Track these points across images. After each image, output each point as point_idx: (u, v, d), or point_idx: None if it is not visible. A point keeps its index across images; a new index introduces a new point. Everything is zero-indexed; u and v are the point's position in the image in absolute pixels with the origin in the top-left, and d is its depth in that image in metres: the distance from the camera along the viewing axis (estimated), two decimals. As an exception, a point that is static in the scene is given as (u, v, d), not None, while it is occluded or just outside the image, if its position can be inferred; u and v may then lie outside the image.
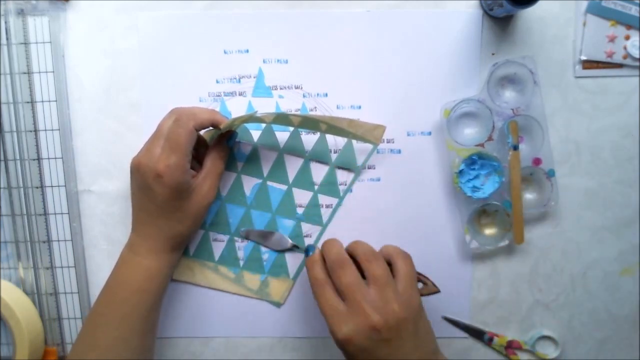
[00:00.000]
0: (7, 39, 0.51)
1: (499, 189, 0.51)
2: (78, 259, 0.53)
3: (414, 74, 0.52)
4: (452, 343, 0.54)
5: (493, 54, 0.51)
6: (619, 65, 0.51)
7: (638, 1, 0.50)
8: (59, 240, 0.53)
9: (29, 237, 0.53)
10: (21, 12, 0.51)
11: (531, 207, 0.52)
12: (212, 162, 0.49)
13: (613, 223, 0.53)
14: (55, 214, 0.53)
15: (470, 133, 0.52)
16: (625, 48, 0.50)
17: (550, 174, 0.51)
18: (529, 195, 0.53)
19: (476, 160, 0.51)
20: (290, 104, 0.52)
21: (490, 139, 0.51)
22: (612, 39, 0.50)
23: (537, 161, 0.51)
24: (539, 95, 0.50)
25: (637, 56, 0.50)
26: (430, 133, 0.52)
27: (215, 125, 0.47)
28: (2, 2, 0.50)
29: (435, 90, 0.52)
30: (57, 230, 0.53)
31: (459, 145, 0.50)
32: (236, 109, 0.52)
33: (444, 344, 0.54)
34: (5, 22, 0.51)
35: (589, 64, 0.51)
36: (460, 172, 0.51)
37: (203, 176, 0.48)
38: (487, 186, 0.51)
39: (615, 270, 0.53)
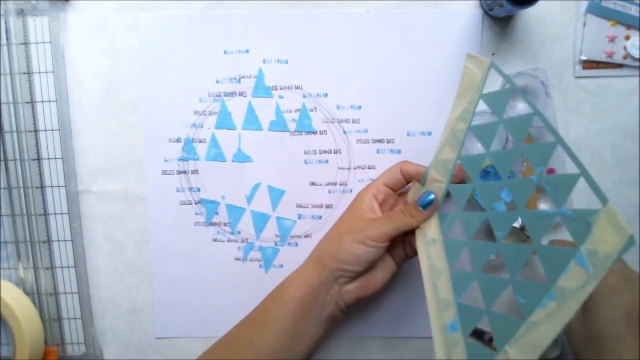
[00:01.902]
0: (7, 39, 0.51)
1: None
2: (78, 259, 0.53)
3: (414, 74, 0.52)
4: (452, 343, 0.54)
5: (493, 54, 0.51)
6: (619, 65, 0.51)
7: (638, 1, 0.50)
8: (59, 241, 0.53)
9: (29, 237, 0.53)
10: (21, 12, 0.51)
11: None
12: (395, 212, 0.46)
13: (613, 223, 0.53)
14: (55, 214, 0.53)
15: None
16: (625, 48, 0.50)
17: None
18: (543, 205, 0.51)
19: (490, 172, 0.51)
20: (290, 104, 0.52)
21: (503, 150, 0.50)
22: (612, 39, 0.50)
23: (550, 171, 0.51)
24: (552, 107, 0.50)
25: (637, 56, 0.50)
26: (430, 133, 0.52)
27: (408, 180, 0.48)
28: (2, 2, 0.50)
29: (435, 91, 0.52)
30: (57, 230, 0.53)
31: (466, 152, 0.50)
32: (236, 109, 0.52)
33: (444, 344, 0.54)
34: (5, 22, 0.51)
35: (589, 64, 0.51)
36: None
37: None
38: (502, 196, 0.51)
39: (615, 270, 0.53)
